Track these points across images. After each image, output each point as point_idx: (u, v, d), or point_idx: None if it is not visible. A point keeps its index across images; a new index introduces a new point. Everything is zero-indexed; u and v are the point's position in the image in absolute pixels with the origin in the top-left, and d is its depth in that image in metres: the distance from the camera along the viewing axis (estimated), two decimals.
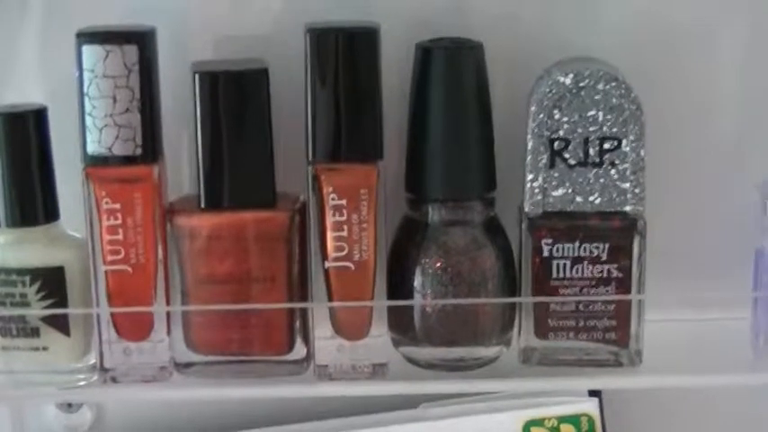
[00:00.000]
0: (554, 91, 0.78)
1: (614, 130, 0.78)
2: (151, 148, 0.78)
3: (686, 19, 0.84)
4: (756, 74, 0.85)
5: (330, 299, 0.80)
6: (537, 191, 0.79)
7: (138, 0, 0.82)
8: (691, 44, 0.84)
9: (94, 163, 0.78)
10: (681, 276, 0.85)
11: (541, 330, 0.80)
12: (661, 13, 0.84)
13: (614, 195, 0.79)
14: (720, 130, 0.86)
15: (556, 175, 0.79)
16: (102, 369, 0.81)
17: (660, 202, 0.81)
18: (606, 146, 0.78)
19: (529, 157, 0.78)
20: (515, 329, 0.81)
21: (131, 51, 0.77)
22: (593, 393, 0.85)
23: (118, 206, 0.78)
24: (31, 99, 0.81)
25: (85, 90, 0.77)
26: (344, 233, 0.79)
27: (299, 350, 0.81)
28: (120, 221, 0.78)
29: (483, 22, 0.82)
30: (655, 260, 0.80)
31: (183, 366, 0.81)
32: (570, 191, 0.79)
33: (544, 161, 0.78)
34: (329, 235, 0.79)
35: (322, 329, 0.80)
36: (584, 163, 0.78)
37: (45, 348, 0.80)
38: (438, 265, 0.80)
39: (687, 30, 0.84)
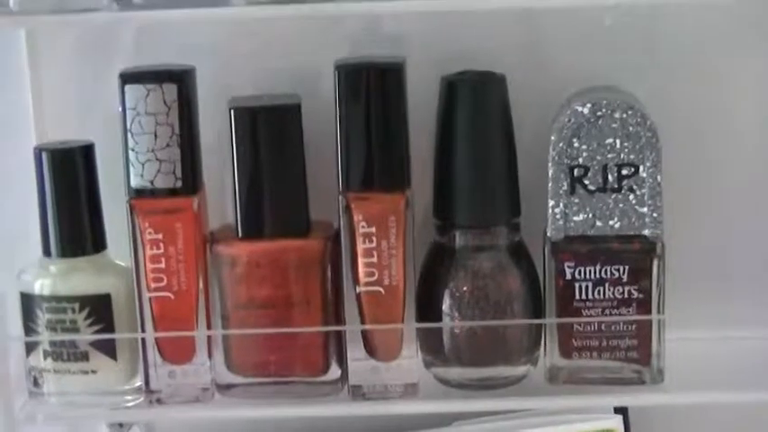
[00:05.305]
0: (573, 120, 0.81)
1: (631, 156, 0.80)
2: (191, 181, 0.82)
3: (707, 47, 0.87)
4: None
5: (363, 322, 0.83)
6: (559, 216, 0.82)
7: (181, 40, 0.86)
8: (711, 69, 0.87)
9: (138, 196, 0.82)
10: (701, 296, 0.88)
11: (566, 350, 0.83)
12: (680, 42, 0.87)
13: (633, 219, 0.81)
14: (738, 154, 0.88)
15: (576, 201, 0.81)
16: (148, 391, 0.84)
17: (680, 223, 0.84)
18: (624, 172, 0.81)
19: (550, 184, 0.81)
20: (541, 349, 0.84)
21: (171, 90, 0.81)
22: (620, 410, 0.87)
23: (160, 236, 0.82)
24: (79, 136, 0.85)
25: (128, 127, 0.81)
26: (374, 259, 0.82)
27: (334, 371, 0.84)
28: (162, 251, 0.82)
29: (507, 55, 0.86)
30: (675, 280, 0.83)
31: (225, 388, 0.85)
32: (591, 216, 0.82)
33: (565, 188, 0.81)
34: (360, 261, 0.82)
35: (356, 351, 0.83)
36: (603, 189, 0.81)
37: (94, 372, 0.84)
38: (465, 288, 0.83)
39: (707, 57, 0.87)
